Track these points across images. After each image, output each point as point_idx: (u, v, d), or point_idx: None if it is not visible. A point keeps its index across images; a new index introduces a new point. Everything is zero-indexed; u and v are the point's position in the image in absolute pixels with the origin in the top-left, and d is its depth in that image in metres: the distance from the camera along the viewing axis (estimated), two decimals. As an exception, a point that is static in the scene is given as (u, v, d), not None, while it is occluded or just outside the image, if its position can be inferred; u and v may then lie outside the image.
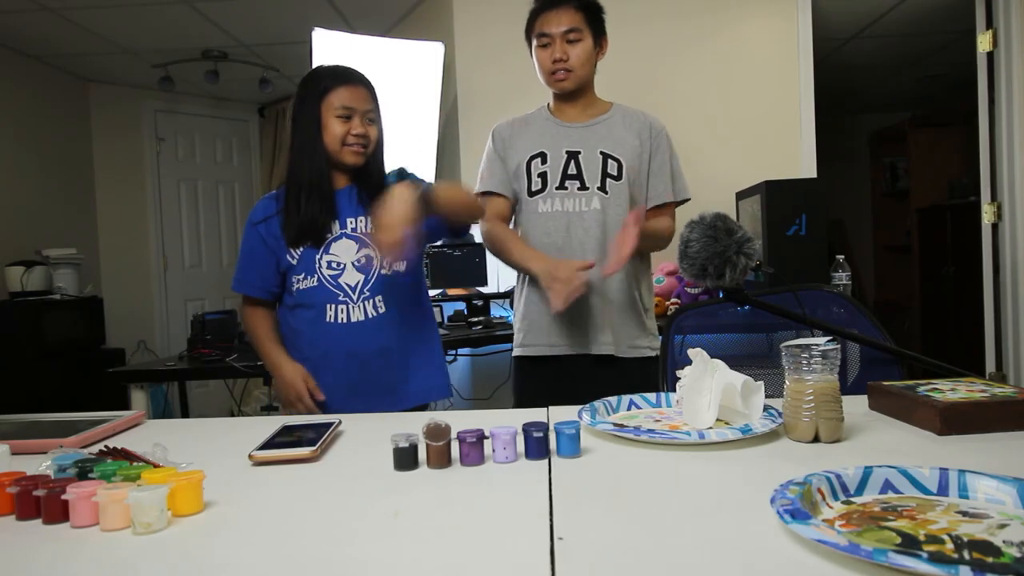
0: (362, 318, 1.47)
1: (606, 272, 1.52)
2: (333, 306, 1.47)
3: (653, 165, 1.75)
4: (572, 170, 1.69)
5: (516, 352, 1.77)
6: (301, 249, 1.47)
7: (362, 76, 1.52)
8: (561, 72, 1.67)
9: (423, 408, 1.55)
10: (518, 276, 1.79)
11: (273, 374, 1.50)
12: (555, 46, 1.66)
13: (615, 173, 1.69)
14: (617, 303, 1.69)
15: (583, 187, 1.68)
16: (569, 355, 1.69)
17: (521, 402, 1.77)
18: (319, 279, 1.47)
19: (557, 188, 1.69)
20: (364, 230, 1.49)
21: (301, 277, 1.47)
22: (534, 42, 1.70)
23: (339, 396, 1.48)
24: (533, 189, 1.70)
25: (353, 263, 1.48)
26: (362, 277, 1.48)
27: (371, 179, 1.52)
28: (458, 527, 0.64)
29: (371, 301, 1.48)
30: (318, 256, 1.47)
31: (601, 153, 1.69)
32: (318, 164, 1.47)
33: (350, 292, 1.47)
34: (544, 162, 1.70)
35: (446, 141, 3.44)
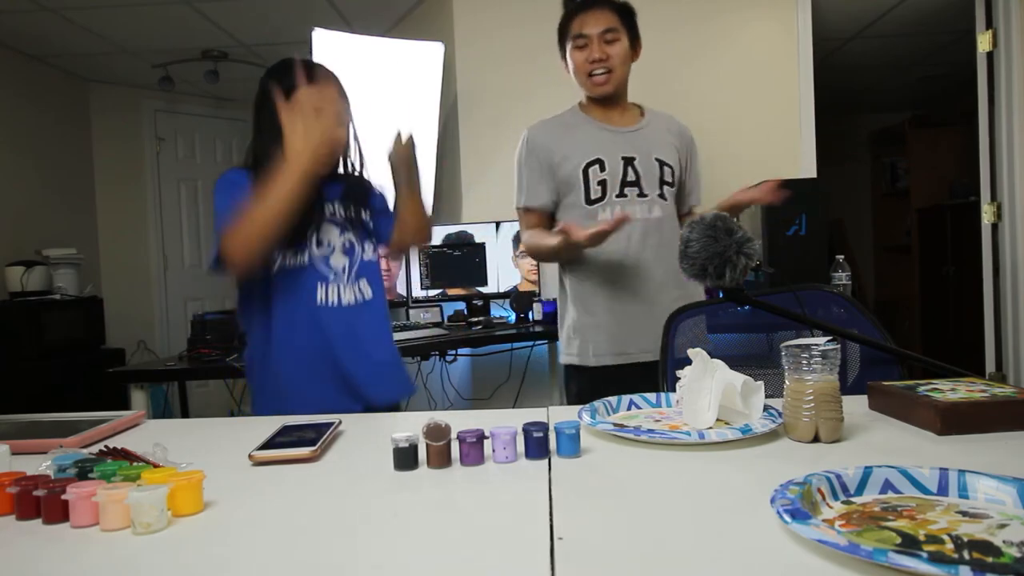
0: (352, 301, 1.41)
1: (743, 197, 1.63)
2: (324, 286, 1.38)
3: (690, 171, 1.76)
4: (631, 177, 1.66)
5: (565, 360, 1.75)
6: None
7: (325, 70, 1.40)
8: (601, 75, 1.64)
9: (396, 408, 1.47)
10: (560, 282, 1.76)
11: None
12: (593, 46, 1.63)
13: (670, 180, 1.68)
14: (665, 309, 1.67)
15: (642, 194, 1.66)
16: (621, 364, 1.66)
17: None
18: (309, 257, 1.37)
19: (617, 196, 1.66)
20: (343, 216, 1.43)
21: (289, 252, 1.35)
22: (569, 44, 1.67)
23: (319, 385, 1.37)
24: (592, 197, 1.67)
25: (341, 246, 1.42)
26: (347, 260, 1.43)
27: (347, 184, 1.46)
28: (458, 527, 0.63)
29: (356, 285, 1.43)
30: (309, 233, 1.37)
31: (657, 160, 1.67)
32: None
33: (341, 273, 1.41)
34: (603, 169, 1.66)
35: (446, 141, 3.43)
